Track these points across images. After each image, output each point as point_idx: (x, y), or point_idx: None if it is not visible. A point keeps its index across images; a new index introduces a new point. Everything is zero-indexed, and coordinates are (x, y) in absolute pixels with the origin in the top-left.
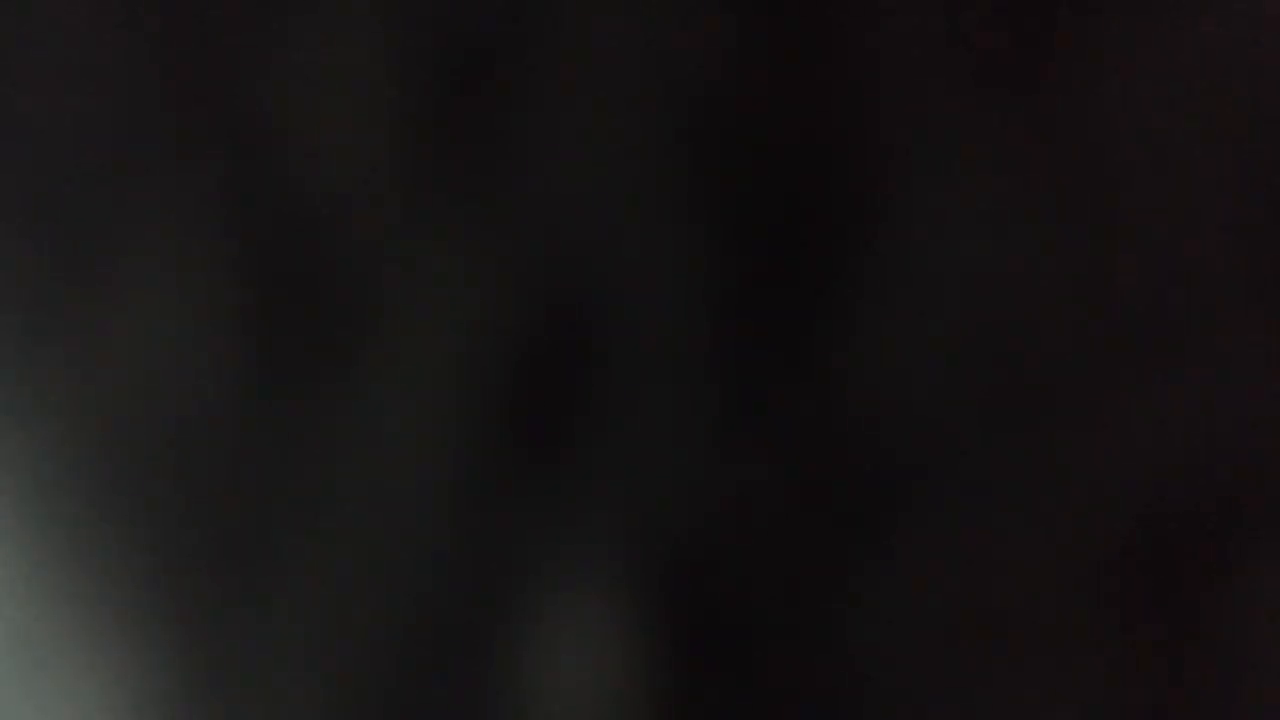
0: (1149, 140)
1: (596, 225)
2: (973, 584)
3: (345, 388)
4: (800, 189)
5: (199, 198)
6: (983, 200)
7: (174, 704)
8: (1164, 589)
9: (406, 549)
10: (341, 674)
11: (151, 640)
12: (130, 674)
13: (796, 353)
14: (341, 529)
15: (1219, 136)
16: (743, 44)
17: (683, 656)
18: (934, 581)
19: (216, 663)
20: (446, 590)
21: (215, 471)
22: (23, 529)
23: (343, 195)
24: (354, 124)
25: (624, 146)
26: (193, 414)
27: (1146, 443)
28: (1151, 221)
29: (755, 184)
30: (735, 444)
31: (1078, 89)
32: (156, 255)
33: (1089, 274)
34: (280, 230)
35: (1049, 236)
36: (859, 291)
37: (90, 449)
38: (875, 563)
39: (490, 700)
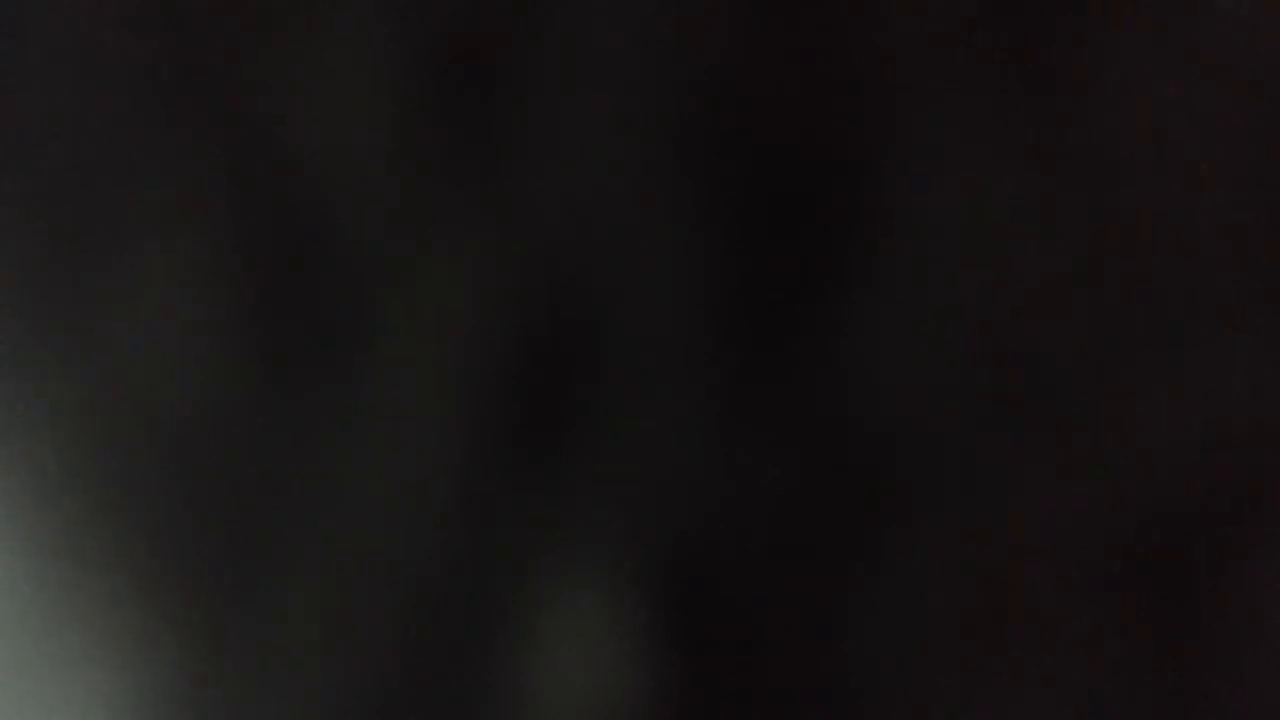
0: (1151, 139)
1: (596, 223)
2: (974, 582)
3: (345, 386)
4: (801, 186)
5: (199, 197)
6: (984, 198)
7: (174, 703)
8: (1165, 588)
9: (406, 547)
10: (341, 673)
11: (151, 639)
12: (131, 673)
13: (798, 351)
14: (341, 528)
15: (1221, 136)
16: (744, 42)
17: (683, 655)
18: (935, 580)
19: (215, 663)
20: (447, 588)
21: (214, 471)
22: (22, 529)
23: (343, 194)
24: (354, 123)
25: (624, 145)
26: (192, 413)
27: (1148, 441)
28: (1154, 220)
29: (756, 181)
30: (737, 442)
31: (1079, 87)
32: (156, 254)
33: (1090, 272)
34: (280, 229)
35: (1050, 234)
36: (860, 289)
37: (90, 449)
38: (876, 562)
39: (490, 700)
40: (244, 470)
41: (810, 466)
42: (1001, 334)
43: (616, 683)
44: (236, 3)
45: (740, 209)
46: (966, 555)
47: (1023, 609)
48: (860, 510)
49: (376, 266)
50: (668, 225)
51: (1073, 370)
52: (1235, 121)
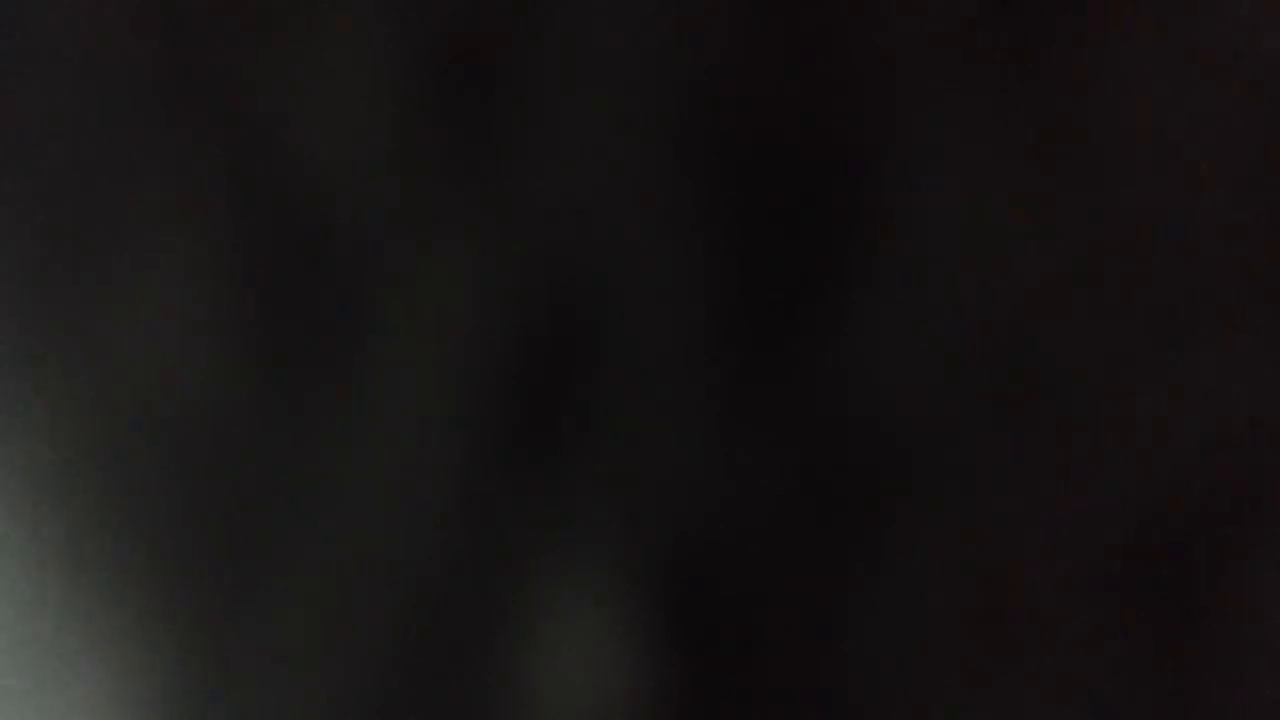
0: (1151, 139)
1: (596, 223)
2: (973, 581)
3: (345, 387)
4: (801, 186)
5: (199, 197)
6: (984, 197)
7: (174, 703)
8: (1165, 588)
9: (406, 547)
10: (341, 673)
11: (151, 640)
12: (131, 674)
13: (798, 351)
14: (341, 528)
15: (1221, 134)
16: (744, 42)
17: (683, 655)
18: (935, 580)
19: (216, 663)
20: (447, 589)
21: (214, 471)
22: (22, 529)
23: (343, 194)
24: (355, 123)
25: (624, 145)
26: (192, 413)
27: (1148, 441)
28: (1154, 220)
29: (756, 181)
30: (737, 442)
31: (1080, 85)
32: (156, 254)
33: (1090, 271)
34: (280, 229)
35: (1050, 233)
36: (860, 288)
37: (90, 449)
38: (876, 562)
39: (490, 700)
40: (244, 470)
41: (810, 466)
42: (1001, 334)
43: (616, 683)
44: (236, 3)
45: (740, 209)
46: (967, 555)
47: (1023, 609)
48: (860, 510)
49: (376, 266)
50: (668, 225)
51: (1073, 370)
52: (1235, 121)
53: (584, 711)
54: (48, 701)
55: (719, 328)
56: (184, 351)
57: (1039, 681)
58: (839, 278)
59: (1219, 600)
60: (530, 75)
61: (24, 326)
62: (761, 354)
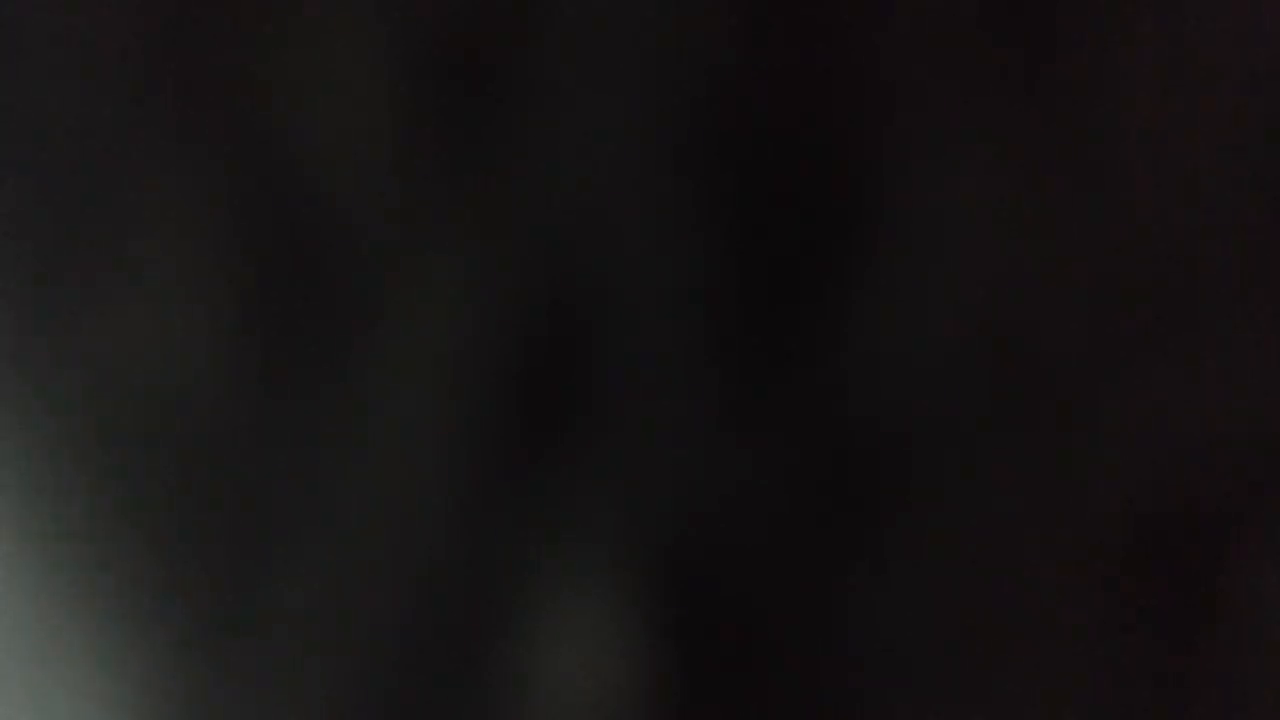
0: (1151, 138)
1: (597, 223)
2: (973, 581)
3: (345, 387)
4: (802, 186)
5: (199, 197)
6: (984, 197)
7: (174, 703)
8: (1164, 588)
9: (406, 548)
10: (342, 673)
11: (151, 640)
12: (131, 673)
13: (798, 350)
14: (342, 528)
15: (1221, 134)
16: (745, 42)
17: (683, 655)
18: (935, 580)
19: (216, 662)
20: (446, 590)
21: (215, 470)
22: (22, 529)
23: (343, 195)
24: (354, 123)
25: (624, 145)
26: (192, 413)
27: (1148, 441)
28: (1153, 219)
29: (756, 180)
30: (736, 442)
31: (1080, 85)
32: (156, 254)
33: (1090, 271)
34: (280, 230)
35: (1050, 233)
36: (860, 287)
37: (89, 449)
38: (876, 562)
39: (490, 700)
40: (244, 470)
41: (810, 466)
42: (1001, 334)
43: (616, 682)
44: (237, 3)
45: (741, 209)
46: (967, 555)
47: (1023, 609)
48: (860, 510)
49: (376, 267)
50: (668, 225)
51: (1073, 370)
52: (1235, 121)
53: (584, 711)
54: (48, 702)
55: (719, 327)
56: (184, 352)
57: (1039, 681)
58: (839, 278)
59: (1219, 600)
60: (530, 75)
61: (24, 326)
62: (761, 354)
